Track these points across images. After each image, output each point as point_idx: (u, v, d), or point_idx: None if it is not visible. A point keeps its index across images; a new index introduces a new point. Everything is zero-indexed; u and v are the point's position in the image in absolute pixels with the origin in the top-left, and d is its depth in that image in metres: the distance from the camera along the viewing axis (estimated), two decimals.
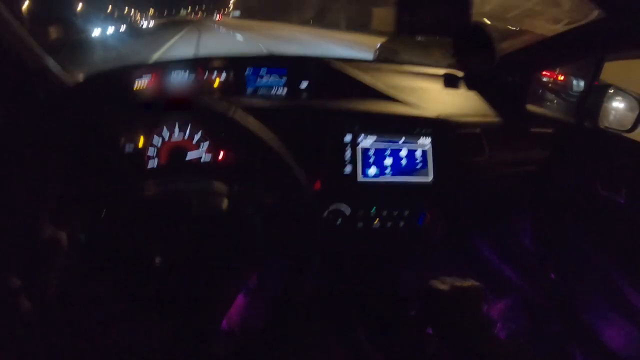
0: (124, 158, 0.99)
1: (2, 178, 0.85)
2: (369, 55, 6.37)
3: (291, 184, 0.97)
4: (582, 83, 3.67)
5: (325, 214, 0.99)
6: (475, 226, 1.33)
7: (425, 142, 1.03)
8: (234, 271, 0.96)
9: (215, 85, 1.15)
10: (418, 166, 1.02)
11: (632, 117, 1.10)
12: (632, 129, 1.10)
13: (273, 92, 1.18)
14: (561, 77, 4.07)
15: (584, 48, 1.07)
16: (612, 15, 0.88)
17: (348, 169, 0.99)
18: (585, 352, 1.14)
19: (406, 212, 1.02)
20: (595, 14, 0.94)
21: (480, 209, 1.22)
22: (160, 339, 0.93)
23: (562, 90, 4.06)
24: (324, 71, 1.19)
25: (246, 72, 1.16)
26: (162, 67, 1.14)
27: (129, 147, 0.99)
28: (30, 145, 0.90)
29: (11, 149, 0.88)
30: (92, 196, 0.94)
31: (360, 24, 17.80)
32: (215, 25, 29.18)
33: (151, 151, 1.00)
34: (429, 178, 1.02)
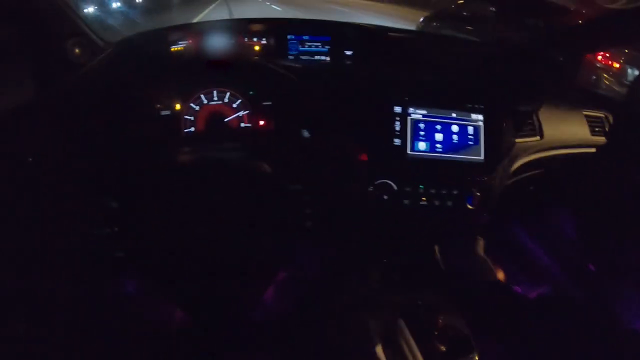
0: (160, 122, 0.94)
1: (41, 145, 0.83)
2: (411, 28, 6.21)
3: (336, 154, 0.92)
4: (637, 72, 3.58)
5: (371, 188, 0.94)
6: (518, 210, 1.27)
7: (478, 118, 0.97)
8: (276, 243, 0.92)
9: (257, 48, 1.09)
10: (470, 143, 0.96)
11: None
12: None
13: (316, 58, 1.12)
14: (616, 65, 3.91)
15: None
16: None
17: (398, 141, 0.94)
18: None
19: (455, 192, 0.97)
20: None
21: (526, 193, 1.17)
22: (204, 306, 0.90)
23: (616, 78, 3.92)
24: (369, 39, 1.13)
25: (288, 37, 1.10)
26: (201, 29, 1.08)
27: (165, 111, 0.95)
28: (67, 110, 0.88)
29: (49, 114, 0.85)
30: (127, 161, 0.90)
31: None
32: None
33: (188, 115, 0.96)
34: (481, 157, 0.96)
